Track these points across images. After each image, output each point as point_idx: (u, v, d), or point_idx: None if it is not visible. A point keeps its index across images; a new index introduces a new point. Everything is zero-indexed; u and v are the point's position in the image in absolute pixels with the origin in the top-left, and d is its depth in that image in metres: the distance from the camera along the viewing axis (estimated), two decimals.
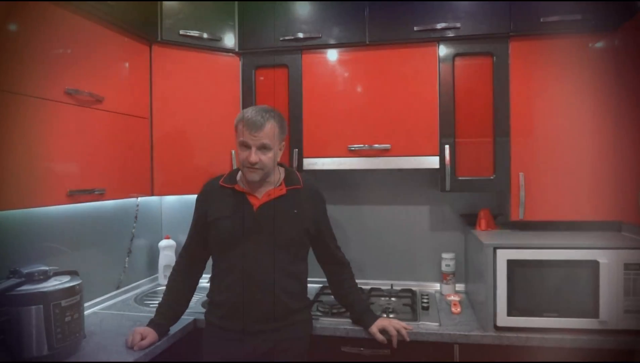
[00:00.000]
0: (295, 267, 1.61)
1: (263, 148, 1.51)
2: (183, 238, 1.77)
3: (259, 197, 1.59)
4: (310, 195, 1.65)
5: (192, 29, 2.07)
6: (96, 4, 1.64)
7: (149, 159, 2.04)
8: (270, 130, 1.52)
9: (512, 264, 1.70)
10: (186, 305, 1.71)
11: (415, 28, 1.98)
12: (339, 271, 1.74)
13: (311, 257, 1.73)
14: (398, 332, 1.67)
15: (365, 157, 2.05)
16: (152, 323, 1.62)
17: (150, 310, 1.97)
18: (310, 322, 1.72)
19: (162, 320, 1.65)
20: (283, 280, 1.56)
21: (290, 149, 2.12)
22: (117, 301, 2.10)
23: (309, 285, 1.69)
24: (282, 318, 1.56)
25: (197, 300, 2.10)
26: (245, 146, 1.52)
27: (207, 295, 1.67)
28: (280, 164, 1.69)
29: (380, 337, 1.66)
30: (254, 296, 1.54)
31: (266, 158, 1.52)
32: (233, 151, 2.14)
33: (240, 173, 1.64)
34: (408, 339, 1.67)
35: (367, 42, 2.05)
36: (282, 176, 1.65)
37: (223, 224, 1.58)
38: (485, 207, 2.16)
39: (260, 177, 1.55)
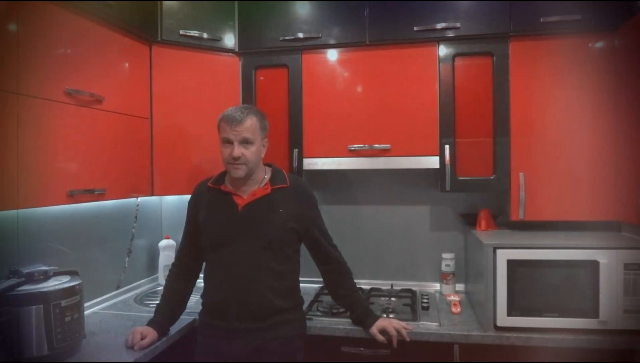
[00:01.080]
0: (283, 266, 1.61)
1: (245, 142, 1.54)
2: None
3: (244, 197, 1.60)
4: (297, 194, 1.65)
5: (192, 29, 2.07)
6: (96, 4, 1.64)
7: (149, 159, 2.04)
8: (250, 124, 1.55)
9: (512, 264, 1.70)
10: (184, 305, 1.73)
11: (415, 28, 1.98)
12: (335, 271, 1.73)
13: (310, 257, 1.74)
14: (398, 332, 1.67)
15: (365, 157, 2.05)
16: (152, 323, 1.63)
17: (150, 310, 1.97)
18: (302, 321, 1.71)
19: (162, 319, 1.65)
20: (270, 279, 1.56)
21: (290, 149, 2.12)
22: (117, 301, 2.10)
23: (309, 285, 1.69)
24: (270, 317, 1.57)
25: (197, 300, 2.09)
26: (228, 141, 1.55)
27: (201, 295, 1.69)
28: (267, 164, 1.70)
29: (380, 337, 1.66)
30: (241, 295, 1.55)
31: (249, 152, 1.55)
32: None
33: (227, 174, 1.66)
34: (408, 339, 1.67)
35: (367, 42, 2.05)
36: (269, 175, 1.66)
37: (210, 225, 1.61)
38: (485, 207, 2.16)
39: (245, 173, 1.56)
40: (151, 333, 1.57)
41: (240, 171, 1.56)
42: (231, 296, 1.56)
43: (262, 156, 1.64)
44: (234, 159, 1.54)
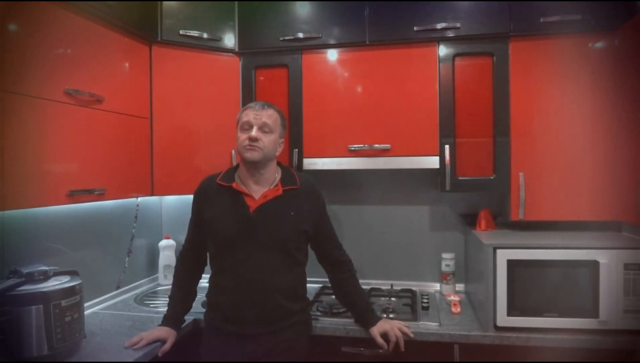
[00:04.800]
0: (293, 269, 1.60)
1: (264, 127, 1.56)
2: (183, 238, 1.77)
3: (256, 198, 1.58)
4: (307, 195, 1.64)
5: (192, 29, 2.07)
6: (96, 4, 1.64)
7: (149, 159, 2.04)
8: (272, 114, 1.59)
9: (512, 264, 1.70)
10: (194, 295, 1.75)
11: (415, 28, 1.98)
12: (339, 270, 1.73)
13: (311, 257, 1.74)
14: (399, 336, 1.66)
15: (365, 157, 2.05)
16: (167, 320, 1.65)
17: (150, 309, 1.97)
18: (309, 323, 1.72)
19: (177, 313, 1.68)
20: (280, 282, 1.55)
21: (290, 149, 2.12)
22: (117, 301, 2.10)
23: (308, 285, 1.69)
24: (280, 320, 1.56)
25: (198, 299, 2.09)
26: (248, 125, 1.56)
27: (206, 296, 1.67)
28: (278, 164, 1.69)
29: (380, 340, 1.65)
30: (251, 298, 1.53)
31: (267, 139, 1.56)
32: (233, 151, 2.14)
33: (237, 172, 1.64)
34: (413, 335, 1.67)
35: (367, 42, 2.04)
36: (280, 176, 1.64)
37: (219, 224, 1.58)
38: (485, 207, 2.16)
39: (260, 157, 1.54)
40: (170, 335, 1.61)
41: (256, 153, 1.53)
42: (243, 300, 1.54)
43: (277, 153, 1.63)
44: (251, 140, 1.53)
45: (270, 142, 1.56)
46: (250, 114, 1.56)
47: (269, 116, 1.57)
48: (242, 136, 1.55)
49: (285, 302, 1.56)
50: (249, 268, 1.54)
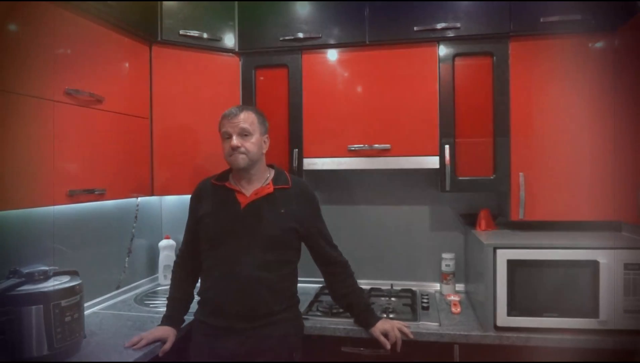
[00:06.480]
0: (282, 266, 1.61)
1: (243, 132, 1.59)
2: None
3: (247, 195, 1.61)
4: (299, 195, 1.66)
5: (192, 29, 2.07)
6: (96, 4, 1.64)
7: (149, 159, 2.04)
8: (247, 117, 1.61)
9: (512, 264, 1.70)
10: (192, 296, 1.75)
11: (415, 28, 1.98)
12: (335, 271, 1.73)
13: (311, 257, 1.74)
14: (399, 337, 1.66)
15: (365, 157, 2.05)
16: (167, 320, 1.66)
17: (150, 310, 1.97)
18: (298, 321, 1.72)
19: (176, 312, 1.69)
20: (268, 279, 1.57)
21: (290, 149, 2.12)
22: (117, 301, 2.09)
23: (309, 285, 1.69)
24: (265, 316, 1.57)
25: (197, 299, 2.09)
26: (227, 135, 1.60)
27: (197, 293, 1.69)
28: (270, 166, 1.72)
29: (383, 340, 1.65)
30: (237, 292, 1.55)
31: (249, 143, 1.58)
32: None
33: (231, 173, 1.68)
34: (412, 336, 1.68)
35: (367, 42, 2.05)
36: (272, 176, 1.67)
37: (210, 220, 1.61)
38: (485, 207, 2.16)
39: (245, 163, 1.58)
40: (170, 335, 1.61)
41: (241, 161, 1.57)
42: (228, 294, 1.56)
43: (264, 151, 1.66)
44: (233, 149, 1.56)
45: (253, 144, 1.59)
46: (227, 124, 1.59)
47: (245, 120, 1.59)
48: (225, 146, 1.60)
49: (271, 298, 1.57)
50: (237, 263, 1.56)
